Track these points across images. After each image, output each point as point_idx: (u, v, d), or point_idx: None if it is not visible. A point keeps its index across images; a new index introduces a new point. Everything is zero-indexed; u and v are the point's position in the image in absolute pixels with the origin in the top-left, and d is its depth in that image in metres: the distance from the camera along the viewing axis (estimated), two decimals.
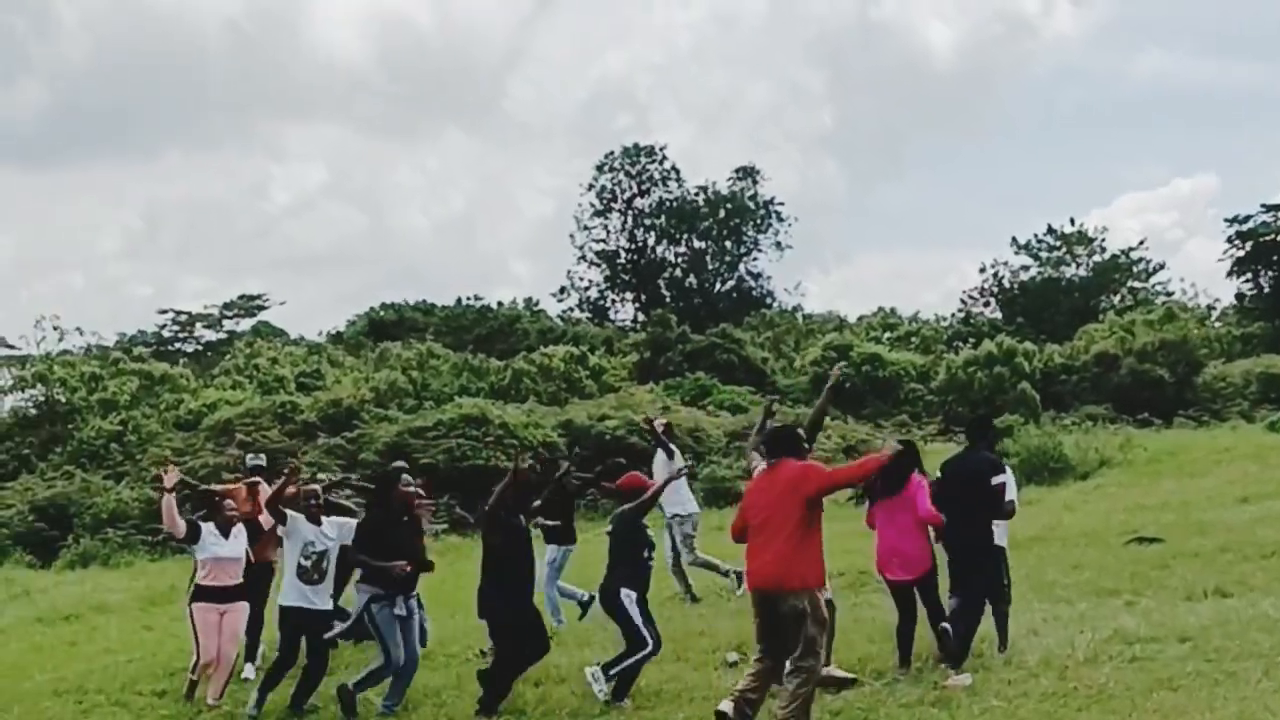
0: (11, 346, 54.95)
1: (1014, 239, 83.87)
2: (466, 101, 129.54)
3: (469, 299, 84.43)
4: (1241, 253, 66.45)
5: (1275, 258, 66.06)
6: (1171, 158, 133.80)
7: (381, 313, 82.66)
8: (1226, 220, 67.24)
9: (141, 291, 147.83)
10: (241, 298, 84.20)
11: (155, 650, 17.85)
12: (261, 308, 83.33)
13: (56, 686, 15.47)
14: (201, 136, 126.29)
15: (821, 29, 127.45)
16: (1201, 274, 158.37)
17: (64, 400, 48.73)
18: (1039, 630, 13.47)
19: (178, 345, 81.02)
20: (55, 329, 52.67)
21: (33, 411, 50.16)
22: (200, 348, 79.51)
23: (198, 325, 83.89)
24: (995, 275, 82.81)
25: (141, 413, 46.07)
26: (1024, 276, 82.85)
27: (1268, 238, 65.45)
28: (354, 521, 13.04)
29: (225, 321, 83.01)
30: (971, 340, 64.52)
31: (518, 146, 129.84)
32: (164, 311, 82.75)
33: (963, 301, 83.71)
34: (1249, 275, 67.36)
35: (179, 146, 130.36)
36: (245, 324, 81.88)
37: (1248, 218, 66.17)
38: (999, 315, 79.40)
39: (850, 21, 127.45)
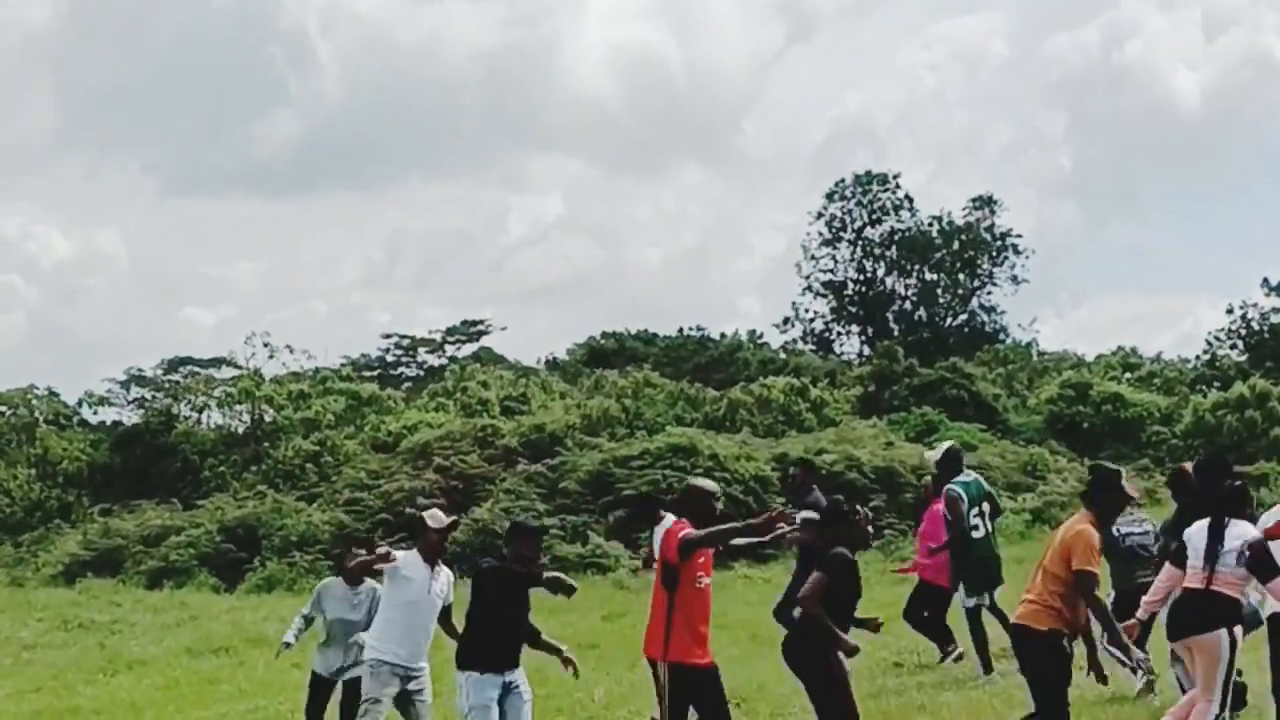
0: (234, 365, 54.26)
1: (1265, 280, 79.13)
2: (705, 138, 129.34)
3: (691, 329, 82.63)
4: None
5: None
6: None
7: (602, 341, 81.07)
8: None
9: (379, 319, 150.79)
10: (464, 323, 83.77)
11: (290, 695, 15.58)
12: (483, 333, 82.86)
13: None
14: (444, 168, 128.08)
15: (1064, 71, 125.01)
16: None
17: (269, 419, 47.76)
18: None
19: (399, 370, 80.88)
20: (265, 345, 51.94)
21: (238, 429, 49.38)
22: (421, 373, 78.90)
23: (420, 350, 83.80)
24: (1244, 316, 78.51)
25: (343, 433, 44.76)
26: (1275, 319, 78.38)
27: None
28: None
29: (447, 347, 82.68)
30: (1218, 384, 60.64)
31: (754, 184, 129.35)
32: (388, 336, 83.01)
33: (1208, 343, 79.51)
34: None
35: (421, 178, 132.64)
36: (467, 349, 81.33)
37: None
38: (1245, 358, 75.17)
39: (1093, 64, 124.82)
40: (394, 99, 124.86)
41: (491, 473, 37.27)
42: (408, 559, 11.03)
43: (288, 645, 12.56)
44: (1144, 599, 10.62)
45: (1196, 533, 10.10)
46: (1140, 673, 11.70)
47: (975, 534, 14.55)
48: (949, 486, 14.70)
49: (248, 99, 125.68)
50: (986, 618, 14.49)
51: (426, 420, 45.18)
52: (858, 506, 10.53)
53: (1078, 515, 10.20)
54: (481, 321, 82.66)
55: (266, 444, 45.61)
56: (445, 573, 11.28)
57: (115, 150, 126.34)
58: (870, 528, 10.65)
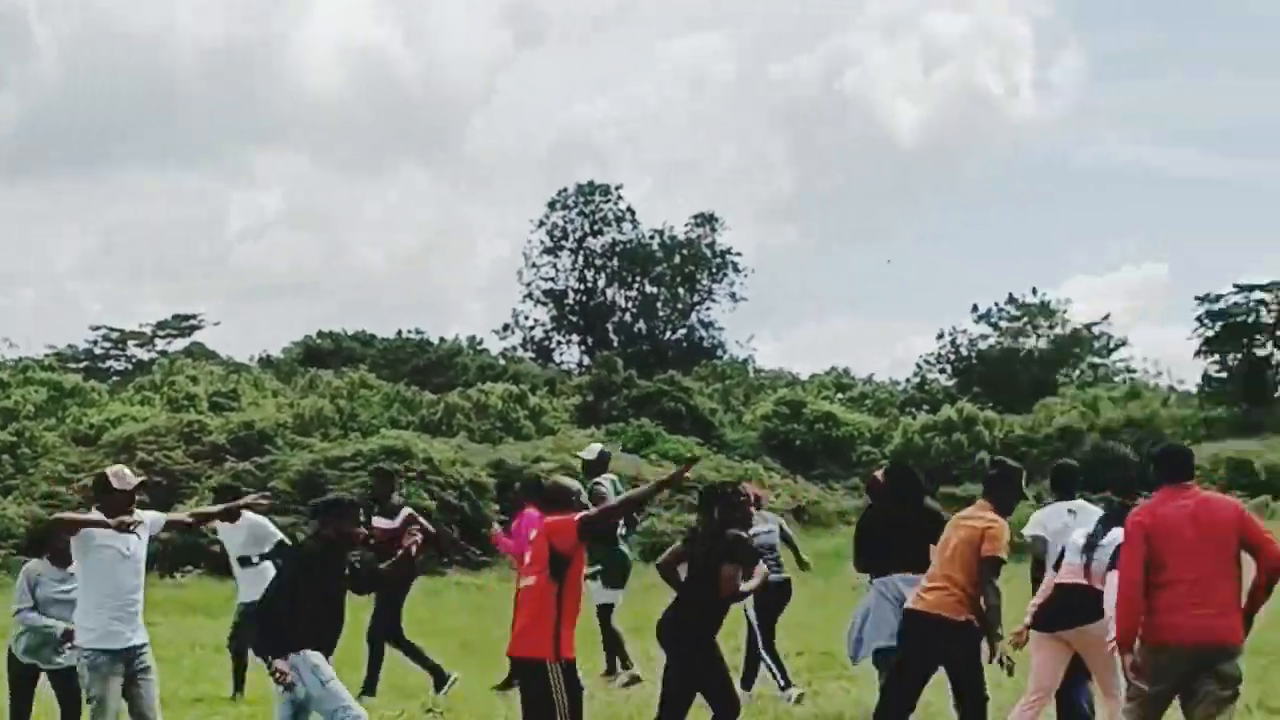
0: None
1: (974, 306, 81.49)
2: (432, 140, 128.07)
3: (410, 332, 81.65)
4: (1211, 332, 64.29)
5: (1245, 340, 64.08)
6: (1123, 244, 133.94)
7: (319, 340, 79.50)
8: (1197, 298, 64.77)
9: (92, 309, 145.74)
10: (176, 317, 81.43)
11: None
12: (196, 328, 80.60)
13: None
14: (164, 160, 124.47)
15: (788, 97, 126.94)
16: (1153, 360, 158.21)
17: None
18: None
19: (108, 363, 78.23)
20: None
21: None
22: (130, 367, 76.40)
23: (130, 343, 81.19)
24: (953, 343, 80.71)
25: (43, 424, 42.90)
26: (982, 345, 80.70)
27: (1239, 318, 63.41)
28: None
29: (158, 341, 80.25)
30: (926, 406, 62.25)
31: (480, 189, 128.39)
32: (96, 328, 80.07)
33: (918, 367, 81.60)
34: (1217, 356, 65.25)
35: (141, 169, 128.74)
36: (179, 344, 79.05)
37: (1219, 297, 64.18)
38: (954, 383, 77.27)
39: (816, 92, 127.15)
40: (116, 87, 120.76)
41: (197, 470, 36.20)
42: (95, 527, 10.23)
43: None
44: (1033, 603, 10.76)
45: (1078, 534, 10.56)
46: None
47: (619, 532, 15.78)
48: (597, 481, 15.88)
49: None
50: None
51: (131, 414, 43.59)
52: (742, 487, 10.41)
53: (978, 504, 10.68)
54: (194, 316, 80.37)
55: None
56: (147, 517, 10.56)
57: None
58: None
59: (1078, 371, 79.30)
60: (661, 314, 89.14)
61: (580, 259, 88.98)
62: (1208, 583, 8.57)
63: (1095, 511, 11.19)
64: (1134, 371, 77.85)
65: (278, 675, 9.62)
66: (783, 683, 13.83)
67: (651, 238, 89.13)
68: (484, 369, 69.43)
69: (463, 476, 35.52)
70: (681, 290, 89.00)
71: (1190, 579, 8.60)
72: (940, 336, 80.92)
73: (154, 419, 41.24)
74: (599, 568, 15.13)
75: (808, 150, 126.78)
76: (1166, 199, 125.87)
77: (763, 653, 14.06)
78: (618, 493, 15.64)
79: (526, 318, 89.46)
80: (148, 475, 34.88)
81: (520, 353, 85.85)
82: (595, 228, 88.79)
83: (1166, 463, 9.07)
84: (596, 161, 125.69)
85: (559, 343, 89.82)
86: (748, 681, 13.86)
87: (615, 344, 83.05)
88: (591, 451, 17.49)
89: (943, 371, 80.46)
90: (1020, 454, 51.88)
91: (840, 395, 66.33)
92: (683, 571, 10.70)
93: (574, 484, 10.54)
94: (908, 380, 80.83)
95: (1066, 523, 11.23)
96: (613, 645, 15.63)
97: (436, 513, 33.41)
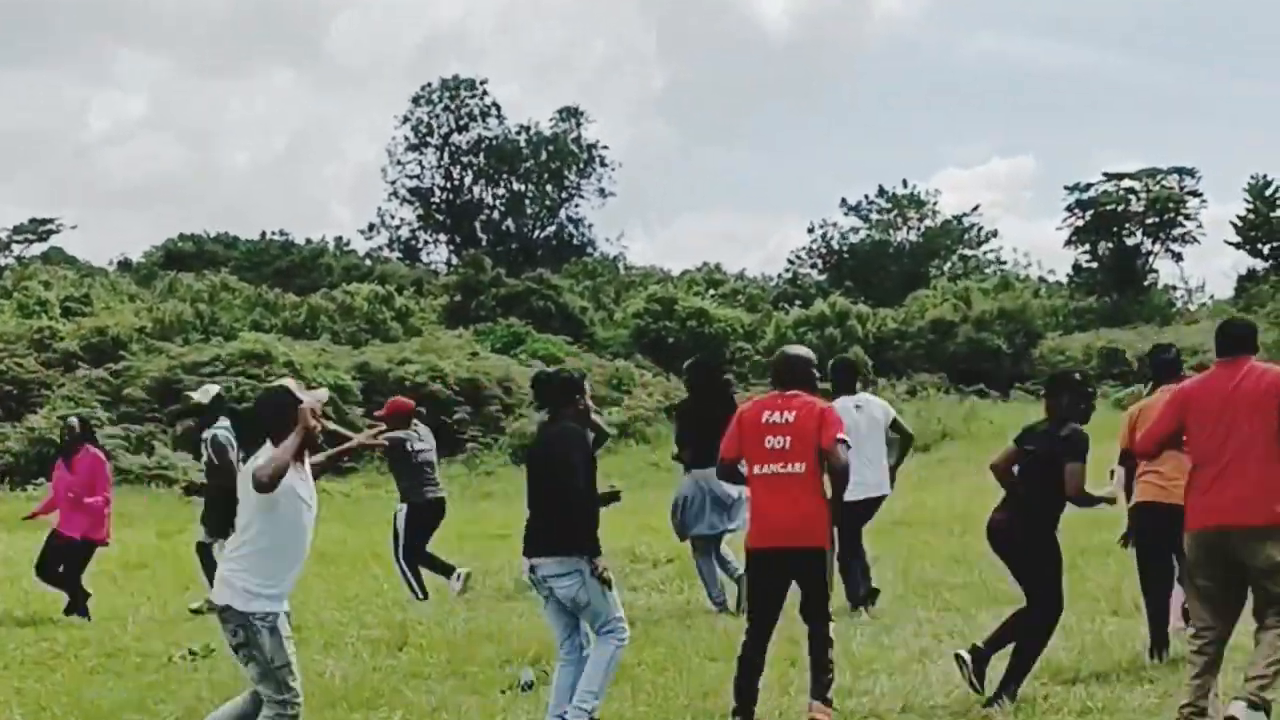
0: None
1: (843, 200, 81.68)
2: (297, 40, 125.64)
3: (275, 234, 79.93)
4: (1081, 222, 64.53)
5: (1115, 229, 64.39)
6: (991, 137, 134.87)
7: (180, 244, 77.56)
8: (1066, 188, 65.38)
9: None
10: (32, 221, 79.16)
11: None
12: (53, 233, 78.40)
13: None
14: (21, 59, 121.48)
15: None
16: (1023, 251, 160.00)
17: None
18: (932, 654, 10.15)
19: None
20: None
21: None
22: None
23: None
24: (824, 236, 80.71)
25: None
26: (853, 239, 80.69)
27: (1109, 207, 63.62)
28: None
29: (15, 247, 77.98)
30: (799, 301, 61.93)
31: (346, 89, 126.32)
32: None
33: (790, 262, 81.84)
34: (1087, 246, 65.54)
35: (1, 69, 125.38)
36: (36, 250, 76.85)
37: (1089, 185, 64.43)
38: (825, 278, 77.18)
39: None
40: None
41: (49, 378, 34.85)
42: None
43: None
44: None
45: None
46: None
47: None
48: (217, 432, 14.37)
49: None
50: None
51: None
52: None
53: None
54: (51, 220, 78.14)
55: None
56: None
57: None
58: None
59: (948, 264, 79.61)
60: (530, 211, 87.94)
61: (446, 156, 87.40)
62: (1238, 460, 7.84)
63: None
64: (1004, 263, 78.47)
65: (604, 572, 8.44)
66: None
67: (518, 133, 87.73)
68: (349, 270, 68.21)
69: (326, 380, 34.44)
70: (550, 187, 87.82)
71: (1216, 456, 7.86)
72: (811, 230, 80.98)
73: (2, 326, 39.72)
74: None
75: (678, 44, 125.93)
76: (1032, 91, 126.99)
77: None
78: (232, 446, 14.37)
79: (392, 217, 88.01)
80: None
81: (387, 253, 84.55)
82: (461, 123, 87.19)
83: (1220, 336, 8.30)
84: (466, 60, 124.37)
85: (426, 242, 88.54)
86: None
87: (484, 243, 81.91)
88: (206, 395, 15.20)
89: (814, 266, 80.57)
90: (894, 346, 52.07)
91: (712, 292, 65.69)
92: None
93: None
94: (780, 275, 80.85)
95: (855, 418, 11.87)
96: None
97: None
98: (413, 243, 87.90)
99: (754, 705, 8.38)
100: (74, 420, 14.43)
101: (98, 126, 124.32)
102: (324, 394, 8.17)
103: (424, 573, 14.14)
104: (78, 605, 14.02)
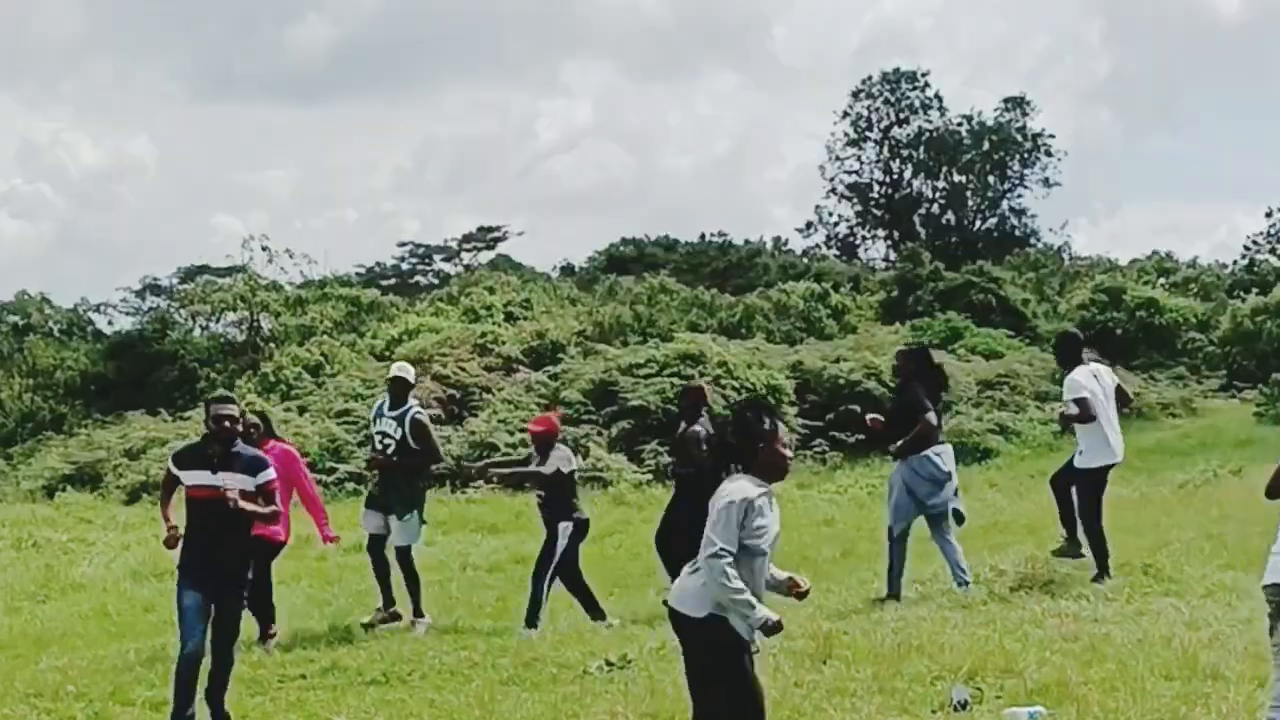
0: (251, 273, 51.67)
1: None
2: (739, 43, 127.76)
3: (714, 235, 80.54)
4: None
5: None
6: None
7: (622, 248, 79.01)
8: None
9: (409, 227, 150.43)
10: (480, 229, 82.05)
11: None
12: (500, 240, 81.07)
13: (50, 681, 11.67)
14: (474, 74, 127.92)
15: None
16: None
17: (267, 326, 46.00)
18: None
19: (415, 278, 79.17)
20: (265, 249, 50.05)
21: (237, 337, 47.62)
22: (437, 282, 77.16)
23: (436, 258, 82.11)
24: None
25: (341, 341, 42.87)
26: None
27: None
28: None
29: (465, 255, 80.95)
30: (1256, 289, 58.39)
31: (788, 90, 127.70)
32: (403, 244, 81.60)
33: (1246, 248, 77.63)
34: None
35: (452, 84, 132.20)
36: (485, 257, 79.54)
37: None
38: None
39: None
40: (424, 5, 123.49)
41: (490, 382, 35.44)
42: None
43: None
44: None
45: None
46: None
47: None
48: (418, 411, 14.19)
49: (277, 3, 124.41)
50: None
51: (427, 326, 43.22)
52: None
53: None
54: (498, 228, 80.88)
55: (263, 352, 43.80)
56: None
57: (144, 55, 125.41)
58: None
59: None
60: (970, 203, 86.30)
61: (885, 150, 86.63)
62: None
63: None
64: None
65: None
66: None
67: (959, 124, 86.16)
68: (786, 269, 67.89)
69: (759, 380, 33.99)
70: (991, 178, 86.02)
71: None
72: (1269, 214, 76.74)
73: (448, 330, 40.76)
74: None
75: (1122, 31, 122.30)
76: None
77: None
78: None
79: (830, 214, 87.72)
80: (440, 388, 34.87)
81: (824, 250, 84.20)
82: (901, 116, 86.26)
83: None
84: (906, 56, 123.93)
85: (864, 238, 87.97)
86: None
87: (922, 237, 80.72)
88: (405, 370, 14.68)
89: (1272, 251, 76.25)
90: None
91: (1162, 280, 62.76)
92: None
93: None
94: (1234, 262, 76.82)
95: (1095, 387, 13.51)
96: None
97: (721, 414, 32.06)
98: (850, 239, 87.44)
99: None
100: (253, 417, 13.39)
101: (545, 135, 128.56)
102: None
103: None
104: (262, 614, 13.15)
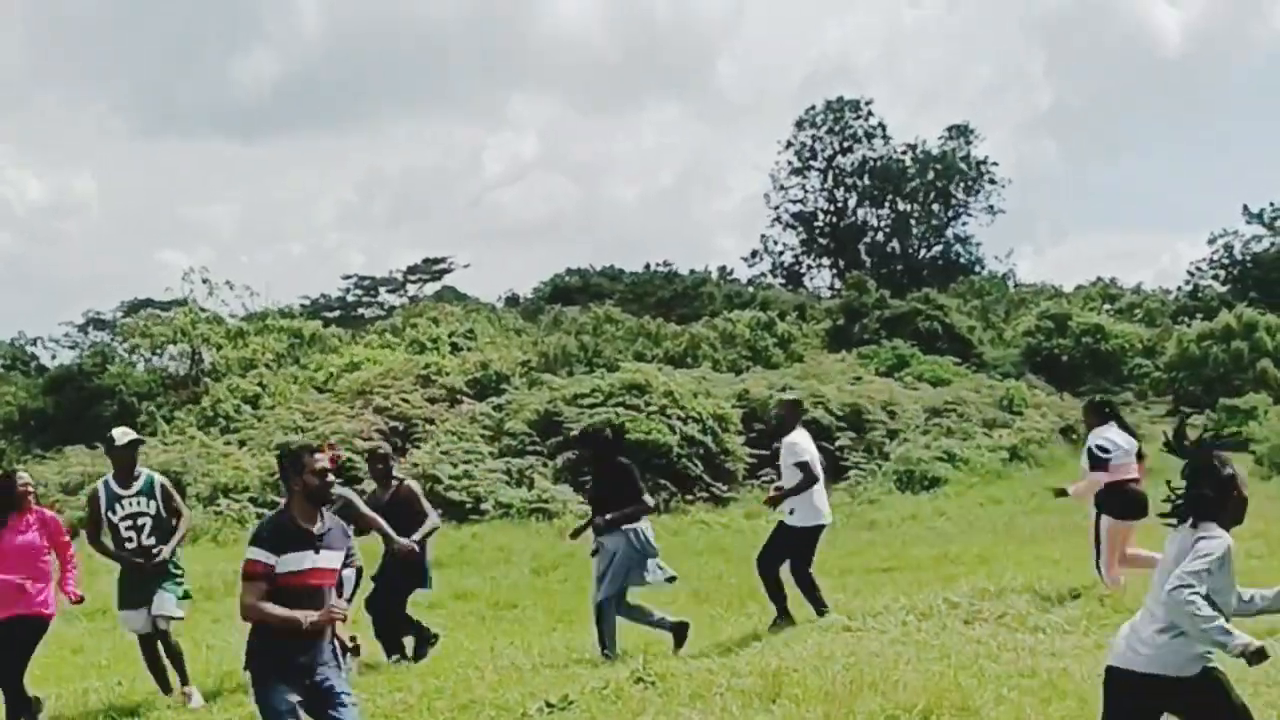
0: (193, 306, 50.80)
1: (1245, 207, 77.42)
2: (684, 76, 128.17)
3: (659, 265, 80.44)
4: None
5: None
6: None
7: (567, 278, 78.81)
8: None
9: (355, 260, 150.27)
10: (425, 261, 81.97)
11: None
12: (446, 271, 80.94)
13: None
14: (419, 107, 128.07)
15: (1044, 9, 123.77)
16: None
17: (208, 360, 45.39)
18: None
19: (359, 310, 78.87)
20: (205, 281, 49.48)
21: (178, 370, 47.00)
22: (383, 313, 76.77)
23: (381, 290, 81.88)
24: (1226, 246, 76.71)
25: (281, 373, 42.31)
26: (1257, 247, 76.50)
27: None
28: None
29: (409, 286, 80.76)
30: (1201, 314, 58.68)
31: (733, 122, 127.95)
32: (348, 276, 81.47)
33: (1189, 274, 78.04)
34: None
35: (396, 117, 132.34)
36: (430, 289, 79.35)
37: None
38: (1228, 289, 73.30)
39: (1072, 1, 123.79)
40: (370, 38, 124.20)
41: (434, 413, 34.99)
42: None
43: None
44: None
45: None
46: None
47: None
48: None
49: (221, 36, 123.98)
50: None
51: (370, 358, 42.73)
52: None
53: None
54: (443, 260, 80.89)
55: (204, 386, 43.19)
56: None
57: (88, 90, 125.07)
58: None
59: None
60: (915, 231, 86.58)
61: (830, 179, 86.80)
62: None
63: None
64: None
65: None
66: None
67: (904, 153, 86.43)
68: (731, 298, 67.93)
69: (705, 409, 33.66)
70: (936, 206, 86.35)
71: None
72: (1211, 241, 77.22)
73: (389, 362, 40.30)
74: None
75: (1065, 62, 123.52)
76: None
77: None
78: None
79: (776, 243, 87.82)
80: (383, 420, 34.41)
81: (770, 279, 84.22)
82: (845, 145, 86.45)
83: None
84: (850, 87, 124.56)
85: (809, 267, 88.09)
86: None
87: (867, 265, 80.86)
88: (128, 434, 12.25)
89: (1215, 277, 76.66)
90: None
91: (1107, 307, 63.09)
92: None
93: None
94: (1178, 289, 77.29)
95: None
96: None
97: (678, 446, 31.76)
98: (796, 268, 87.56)
99: None
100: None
101: (491, 168, 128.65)
102: None
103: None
104: None
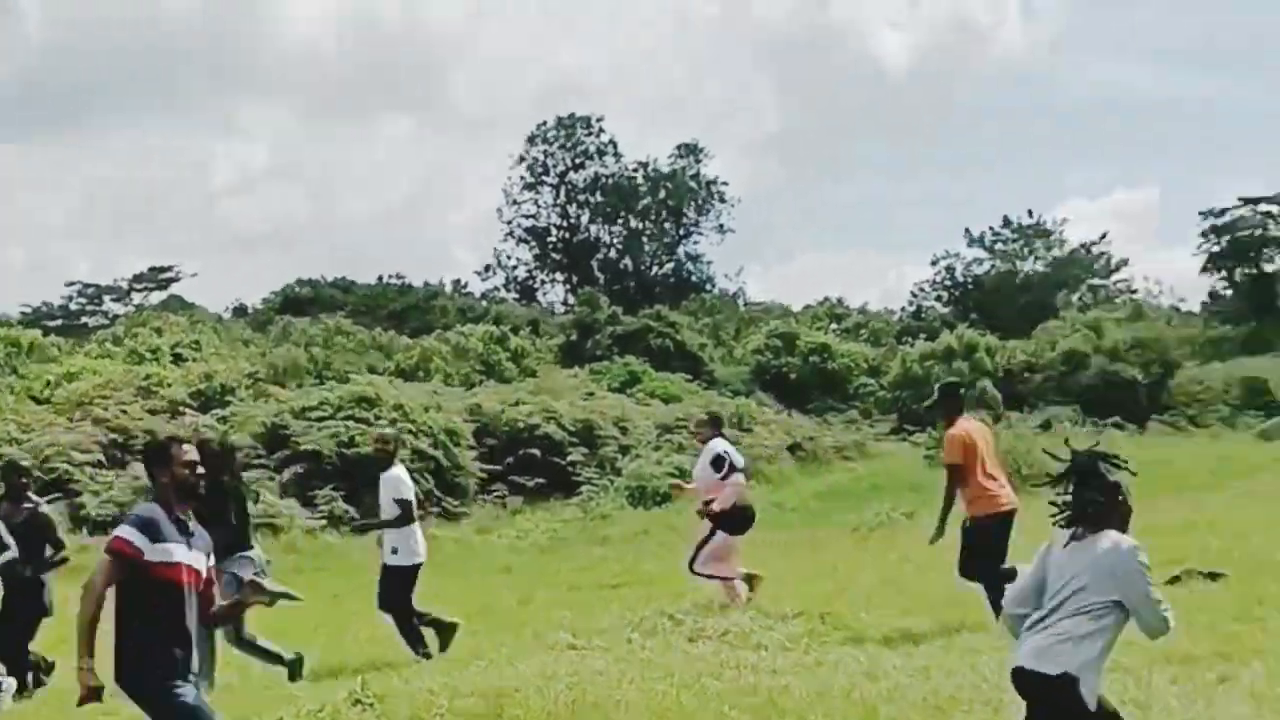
0: None
1: (967, 231, 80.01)
2: (418, 88, 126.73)
3: (391, 277, 79.63)
4: (1217, 248, 62.50)
5: (1253, 254, 62.26)
6: (1113, 167, 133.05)
7: (298, 289, 77.47)
8: (1201, 214, 63.65)
9: (80, 268, 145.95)
10: (152, 270, 79.90)
11: None
12: (173, 280, 79.03)
13: None
14: (148, 115, 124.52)
15: (772, 33, 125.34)
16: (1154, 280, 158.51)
17: None
18: None
19: (83, 320, 76.45)
20: None
21: None
22: (108, 322, 74.56)
23: (106, 298, 79.61)
24: (948, 269, 79.16)
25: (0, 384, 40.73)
26: (978, 270, 79.12)
27: (1246, 232, 61.55)
28: None
29: (135, 295, 78.65)
30: (924, 335, 60.36)
31: (466, 135, 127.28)
32: (71, 284, 79.14)
33: (913, 295, 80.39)
34: (1224, 273, 63.47)
35: (123, 124, 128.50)
36: (157, 298, 77.31)
37: (1224, 211, 62.39)
38: (950, 310, 75.59)
39: (801, 24, 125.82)
40: (97, 43, 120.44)
41: (154, 425, 33.98)
42: None
43: None
44: None
45: None
46: None
47: None
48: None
49: None
50: None
51: (89, 368, 41.35)
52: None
53: None
54: (170, 268, 78.96)
55: None
56: None
57: None
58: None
59: (1077, 294, 77.55)
60: (647, 249, 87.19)
61: (562, 194, 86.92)
62: None
63: None
64: (1135, 292, 76.06)
65: None
66: None
67: (635, 171, 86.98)
68: (465, 312, 67.58)
69: (436, 423, 33.41)
70: (667, 224, 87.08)
71: None
72: (935, 263, 79.67)
73: (110, 374, 39.06)
74: None
75: (794, 83, 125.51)
76: (1152, 119, 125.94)
77: None
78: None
79: (509, 257, 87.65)
80: (102, 432, 33.35)
81: (503, 294, 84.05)
82: (577, 161, 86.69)
83: None
84: (584, 104, 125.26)
85: (543, 282, 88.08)
86: None
87: (601, 281, 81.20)
88: None
89: (939, 299, 79.10)
90: (1024, 379, 50.43)
91: (835, 326, 64.39)
92: None
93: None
94: (903, 309, 79.40)
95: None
96: None
97: (409, 460, 31.42)
98: (529, 283, 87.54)
99: None
100: None
101: (221, 176, 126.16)
102: None
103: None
104: None
